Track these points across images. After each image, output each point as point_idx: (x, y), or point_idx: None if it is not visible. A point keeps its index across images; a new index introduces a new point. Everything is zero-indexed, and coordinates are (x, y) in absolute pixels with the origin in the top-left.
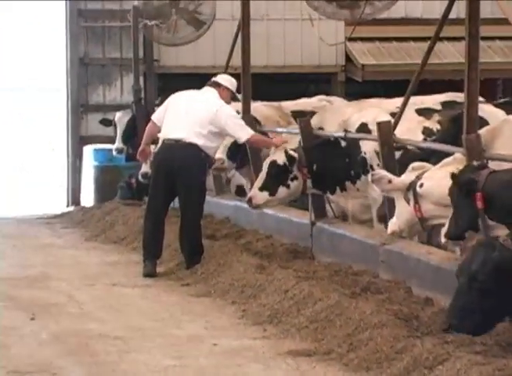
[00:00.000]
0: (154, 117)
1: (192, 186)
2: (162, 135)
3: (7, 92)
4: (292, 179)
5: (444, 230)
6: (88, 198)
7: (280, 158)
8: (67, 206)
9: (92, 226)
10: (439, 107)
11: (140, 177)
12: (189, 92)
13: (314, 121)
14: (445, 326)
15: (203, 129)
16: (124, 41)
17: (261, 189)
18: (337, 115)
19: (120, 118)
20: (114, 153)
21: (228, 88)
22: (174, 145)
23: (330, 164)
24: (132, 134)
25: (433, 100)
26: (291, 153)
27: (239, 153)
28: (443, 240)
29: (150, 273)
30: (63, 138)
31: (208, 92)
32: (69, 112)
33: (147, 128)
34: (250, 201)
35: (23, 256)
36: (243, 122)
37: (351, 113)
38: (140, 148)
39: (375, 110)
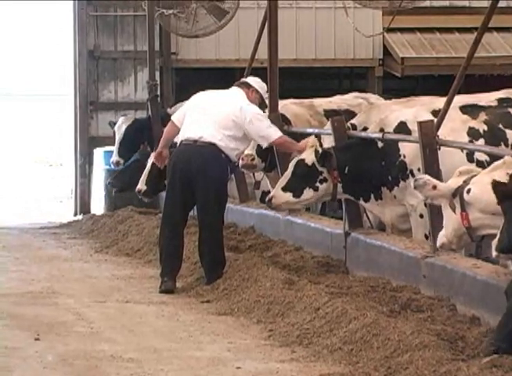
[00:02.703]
0: (174, 117)
1: (210, 191)
2: (180, 137)
3: (8, 95)
4: (321, 181)
5: (495, 243)
6: (98, 206)
7: (309, 157)
8: (75, 214)
9: (103, 237)
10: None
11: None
12: (213, 91)
13: (358, 120)
14: (493, 348)
15: (224, 128)
16: (139, 32)
17: (285, 189)
18: (383, 114)
19: (120, 126)
20: (112, 166)
21: (257, 91)
22: (191, 145)
23: (364, 166)
24: (132, 146)
25: (489, 97)
26: (323, 149)
27: (269, 152)
28: (494, 253)
29: (169, 289)
30: (70, 139)
31: (234, 91)
32: (77, 110)
33: (165, 130)
34: (270, 201)
35: (26, 270)
36: (269, 122)
37: None
38: (157, 151)
39: (416, 108)
